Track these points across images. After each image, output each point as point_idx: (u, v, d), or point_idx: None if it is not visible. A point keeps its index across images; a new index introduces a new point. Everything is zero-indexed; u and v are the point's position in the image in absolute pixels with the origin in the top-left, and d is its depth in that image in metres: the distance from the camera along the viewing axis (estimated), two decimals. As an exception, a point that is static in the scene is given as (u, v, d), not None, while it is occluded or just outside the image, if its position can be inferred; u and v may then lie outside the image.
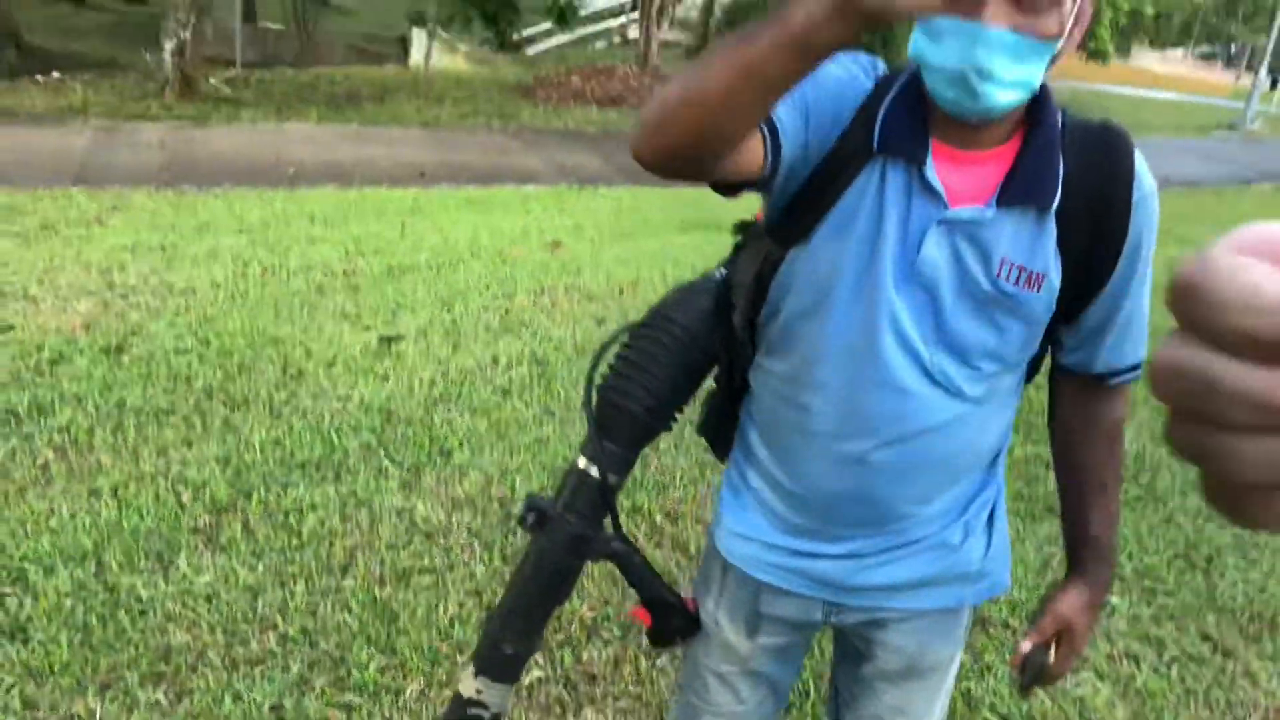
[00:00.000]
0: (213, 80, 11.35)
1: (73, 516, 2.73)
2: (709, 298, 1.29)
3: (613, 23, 23.39)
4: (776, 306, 1.20)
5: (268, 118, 9.91)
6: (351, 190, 7.06)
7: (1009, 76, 1.00)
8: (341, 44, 22.78)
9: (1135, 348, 1.22)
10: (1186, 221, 9.00)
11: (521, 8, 11.05)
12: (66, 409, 3.31)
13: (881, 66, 1.16)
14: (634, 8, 22.98)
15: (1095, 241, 1.12)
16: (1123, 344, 1.21)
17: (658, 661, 2.43)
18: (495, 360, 4.06)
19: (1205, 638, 2.71)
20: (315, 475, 3.07)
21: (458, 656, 2.36)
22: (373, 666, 2.29)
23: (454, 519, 2.92)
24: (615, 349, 1.33)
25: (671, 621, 1.40)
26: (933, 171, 1.09)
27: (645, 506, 3.07)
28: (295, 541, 2.73)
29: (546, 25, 17.37)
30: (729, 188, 1.07)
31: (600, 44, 21.88)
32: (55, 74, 11.84)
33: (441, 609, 2.51)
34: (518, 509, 2.96)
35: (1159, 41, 50.39)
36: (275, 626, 2.40)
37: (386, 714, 2.17)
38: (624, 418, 1.27)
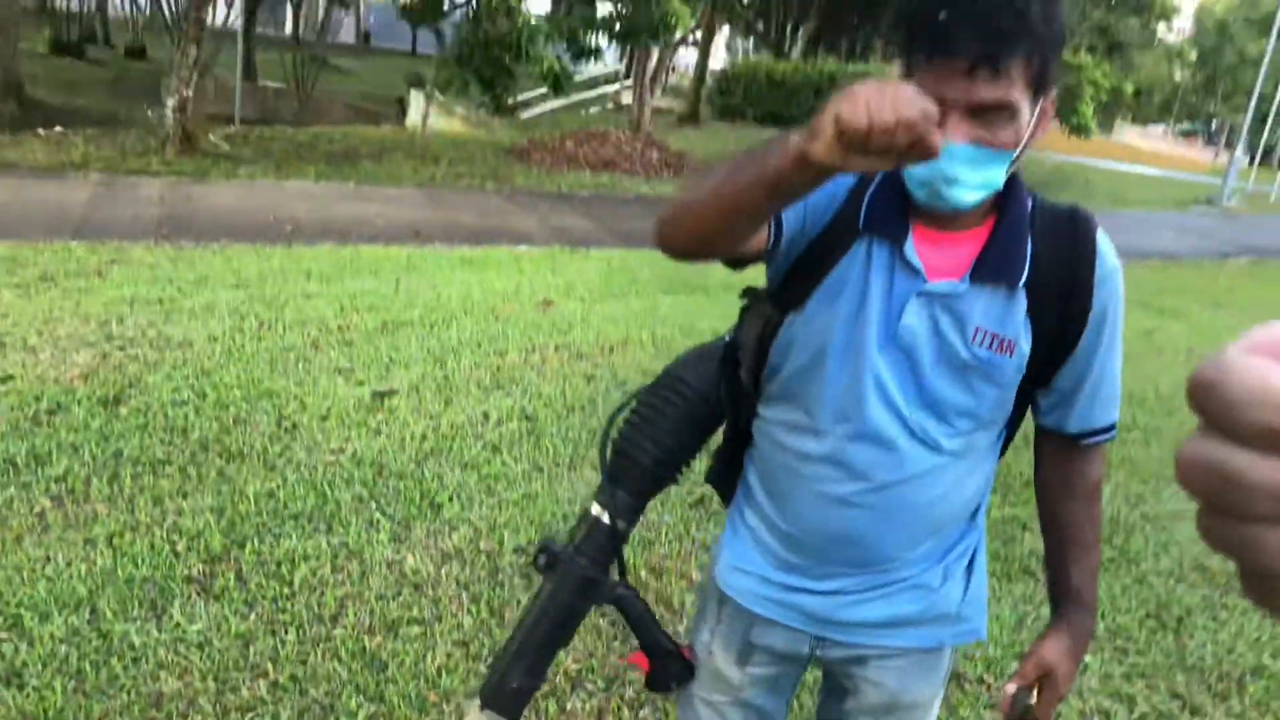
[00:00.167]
0: (212, 137, 11.56)
1: (68, 564, 2.79)
2: (718, 361, 1.42)
3: (607, 89, 23.90)
4: (776, 365, 1.33)
5: (266, 174, 10.08)
6: (348, 247, 7.19)
7: (972, 181, 1.14)
8: (340, 103, 23.18)
9: (1106, 411, 1.33)
10: (1165, 293, 9.22)
11: (517, 73, 11.32)
12: (64, 458, 3.38)
13: None
14: (627, 75, 23.51)
15: (1063, 313, 1.25)
16: (1093, 407, 1.32)
17: (640, 713, 2.48)
18: (486, 416, 4.15)
19: (1175, 695, 2.78)
20: (308, 526, 3.14)
21: (445, 705, 2.41)
22: (362, 714, 2.34)
23: (443, 571, 2.98)
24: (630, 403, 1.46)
25: (669, 668, 1.48)
26: (912, 249, 1.22)
27: (631, 562, 3.13)
28: (287, 591, 2.79)
29: (541, 90, 17.77)
30: (737, 262, 1.25)
31: (594, 109, 22.31)
32: (57, 128, 12.04)
33: (429, 659, 2.57)
34: (505, 562, 3.04)
35: (1141, 118, 51.63)
36: (266, 674, 2.45)
37: (374, 761, 2.22)
38: (635, 469, 1.40)
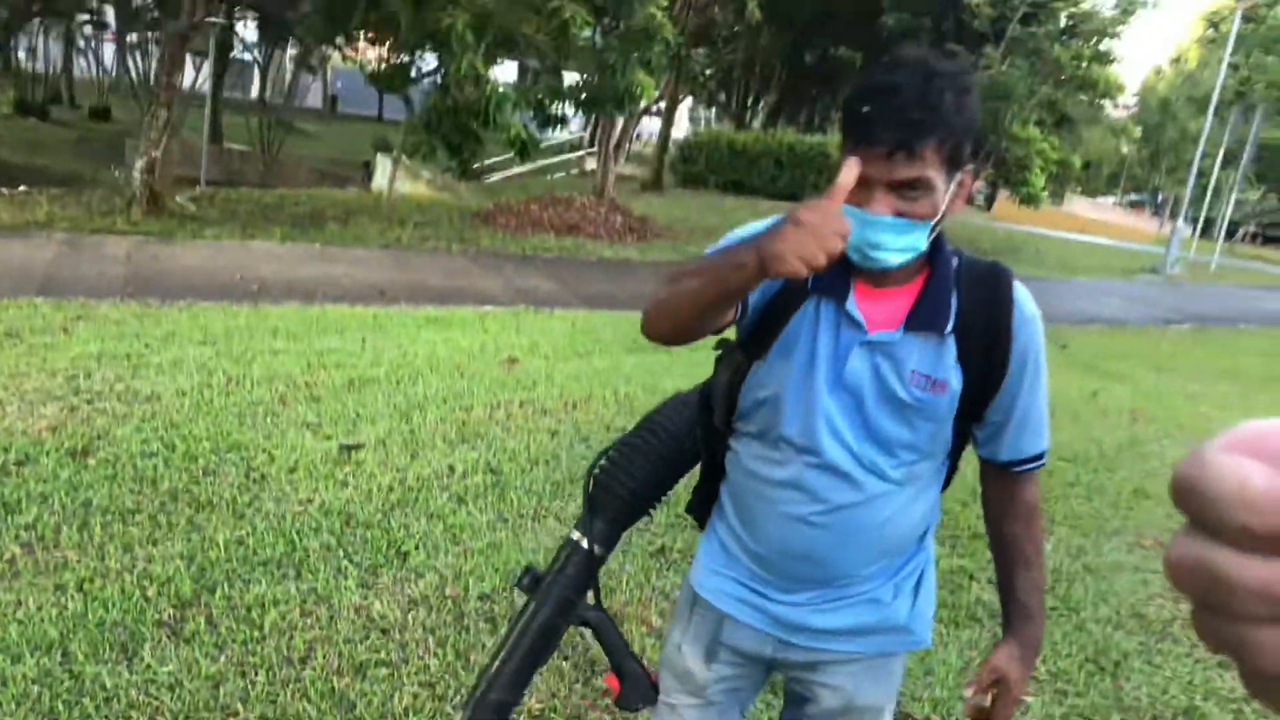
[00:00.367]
0: (179, 198, 11.65)
1: (39, 608, 2.84)
2: (696, 413, 1.65)
3: (571, 155, 24.34)
4: (744, 405, 1.53)
5: (232, 235, 10.18)
6: (314, 307, 7.29)
7: (896, 246, 1.33)
8: (305, 167, 23.41)
9: (1034, 441, 1.52)
10: (1111, 357, 9.55)
11: (484, 139, 11.58)
12: (33, 507, 3.42)
13: None
14: (592, 142, 23.98)
15: (987, 356, 1.44)
16: (1022, 438, 1.51)
17: (601, 751, 2.57)
18: (451, 469, 4.24)
19: (1111, 735, 2.92)
20: (277, 573, 3.20)
21: (411, 744, 2.48)
22: (329, 752, 2.41)
23: (410, 616, 3.06)
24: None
25: (637, 688, 1.62)
26: (854, 305, 1.42)
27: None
28: (257, 634, 2.85)
29: (506, 155, 18.08)
30: (716, 332, 1.47)
31: (558, 175, 22.70)
32: (21, 187, 12.07)
33: (397, 699, 2.64)
34: (471, 608, 3.13)
35: (1090, 190, 53.28)
36: (236, 714, 2.51)
37: (342, 796, 2.28)
38: (613, 500, 1.60)
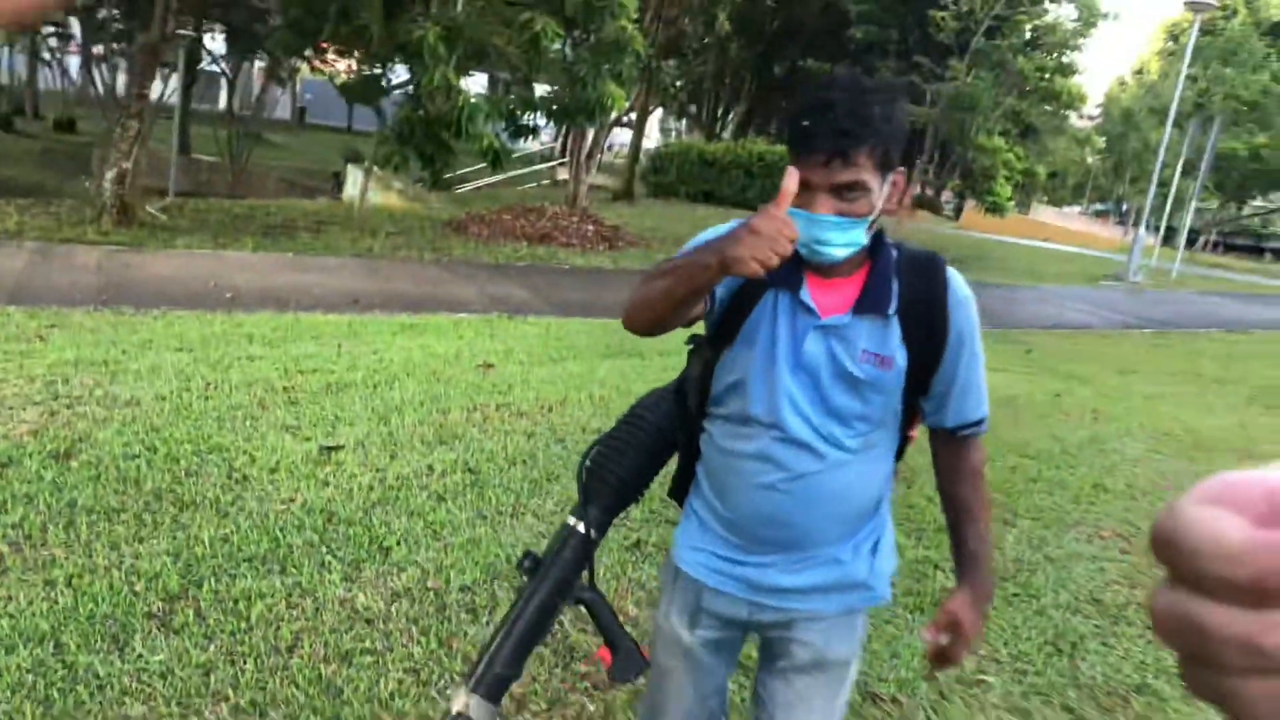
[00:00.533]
0: (149, 208, 11.63)
1: (29, 603, 2.90)
2: (673, 404, 1.82)
3: (542, 166, 24.44)
4: (715, 391, 1.71)
5: (204, 245, 10.20)
6: (288, 314, 7.35)
7: (838, 241, 1.52)
8: (274, 178, 23.35)
9: (975, 408, 1.69)
10: (1074, 361, 9.78)
11: (456, 150, 11.67)
12: (19, 507, 3.48)
13: None
14: (563, 153, 24.11)
15: (928, 334, 1.61)
16: (964, 406, 1.68)
17: (581, 730, 2.66)
18: (430, 469, 4.33)
19: (1067, 710, 3.05)
20: (261, 568, 3.28)
21: (398, 725, 2.57)
22: (319, 734, 2.49)
23: (393, 608, 3.14)
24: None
25: (629, 661, 1.74)
26: (807, 294, 1.60)
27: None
28: (244, 625, 2.93)
29: (477, 166, 18.16)
30: (688, 325, 1.65)
31: (530, 185, 22.79)
32: (-10, 198, 12.00)
33: (383, 684, 2.72)
34: (453, 599, 3.23)
35: (1056, 199, 54.13)
36: (227, 699, 2.59)
37: (332, 774, 2.37)
38: (605, 489, 1.76)
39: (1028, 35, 21.97)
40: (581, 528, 1.74)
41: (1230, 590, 0.28)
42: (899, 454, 1.75)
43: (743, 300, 1.64)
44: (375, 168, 13.75)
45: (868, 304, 1.58)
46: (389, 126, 11.76)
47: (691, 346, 1.80)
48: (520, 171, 22.82)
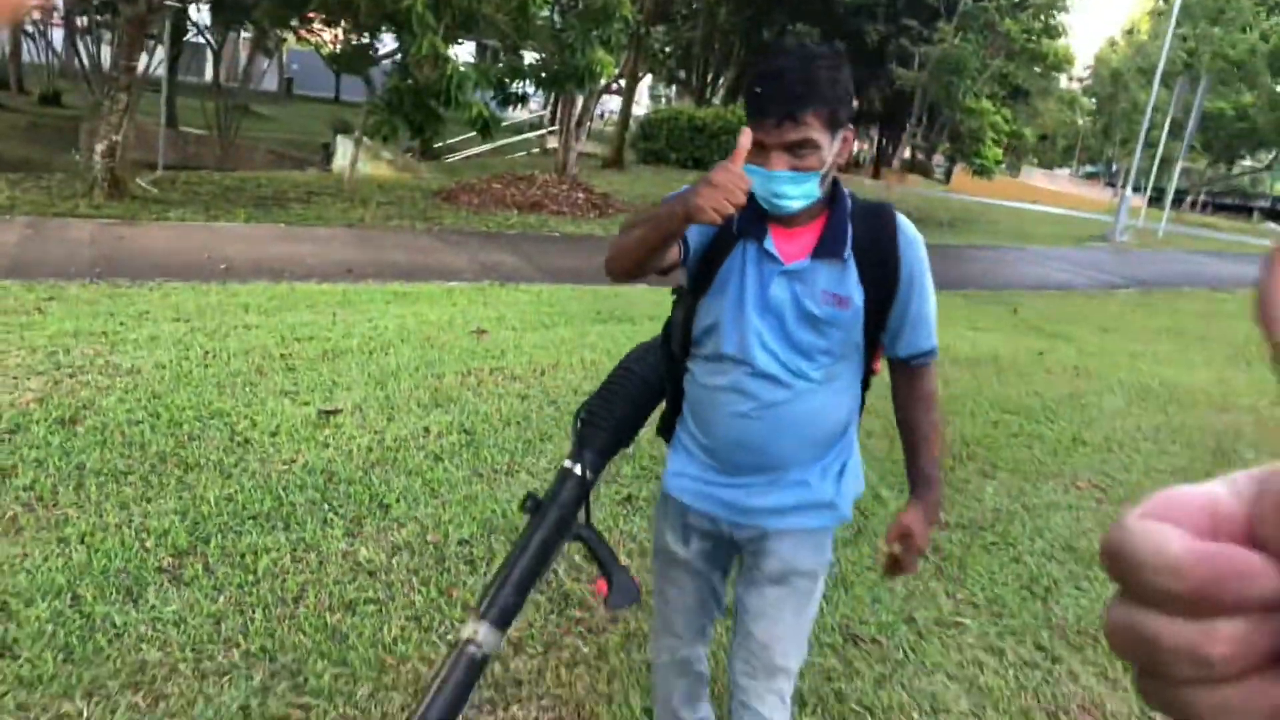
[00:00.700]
0: (140, 181, 11.66)
1: (45, 559, 3.02)
2: (660, 352, 2.01)
3: (532, 135, 24.38)
4: (695, 334, 1.90)
5: (196, 217, 10.25)
6: (283, 284, 7.43)
7: (794, 194, 1.71)
8: (262, 149, 23.27)
9: (926, 339, 1.88)
10: (1059, 320, 9.91)
11: (446, 119, 11.69)
12: (29, 471, 3.59)
13: None
14: (553, 121, 24.05)
15: (881, 274, 1.80)
16: (916, 336, 1.87)
17: (576, 670, 2.81)
18: (427, 430, 4.45)
19: (1039, 648, 3.21)
20: (266, 525, 3.41)
21: (401, 667, 2.71)
22: (327, 675, 2.63)
23: (394, 560, 3.28)
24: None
25: (623, 587, 1.88)
26: (771, 243, 1.80)
27: (568, 550, 3.44)
28: (251, 578, 3.06)
29: (467, 135, 18.15)
30: (664, 272, 1.82)
31: (519, 154, 22.75)
32: (-20, 173, 12.00)
33: (386, 630, 2.86)
34: (451, 551, 3.36)
35: (1047, 162, 54.09)
36: (238, 645, 2.72)
37: (340, 711, 2.51)
38: (599, 434, 1.95)
39: (1015, -3, 21.96)
40: (578, 470, 1.89)
41: (1174, 602, 0.28)
42: (864, 385, 1.94)
43: (716, 252, 1.83)
44: (365, 138, 13.77)
45: (825, 249, 1.77)
46: (378, 96, 11.78)
47: (675, 296, 1.99)
48: (510, 140, 22.77)
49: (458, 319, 6.78)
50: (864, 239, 1.78)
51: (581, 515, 1.92)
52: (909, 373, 1.93)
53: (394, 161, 17.41)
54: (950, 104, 20.11)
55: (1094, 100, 44.53)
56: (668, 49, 28.76)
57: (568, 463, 1.91)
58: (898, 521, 1.92)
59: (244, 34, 27.50)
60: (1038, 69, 23.03)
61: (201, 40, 25.50)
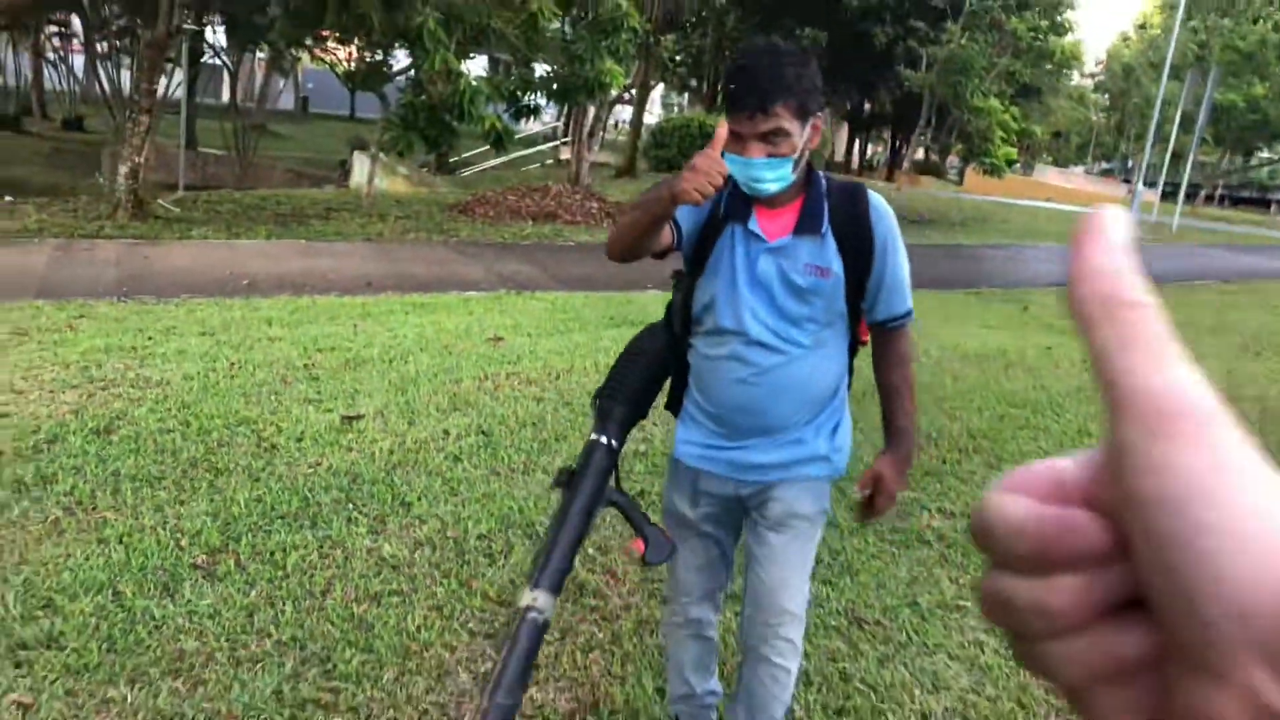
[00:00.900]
0: (162, 201, 11.92)
1: (86, 558, 3.19)
2: (664, 332, 2.16)
3: (545, 146, 24.61)
4: (695, 312, 2.12)
5: (218, 235, 10.48)
6: (304, 298, 7.62)
7: (771, 178, 1.90)
8: (280, 168, 23.62)
9: (900, 304, 2.08)
10: (1068, 316, 9.95)
11: (460, 132, 11.89)
12: (69, 478, 3.77)
13: None
14: (566, 132, 24.27)
15: (857, 246, 2.00)
16: (891, 301, 2.08)
17: (590, 655, 2.94)
18: (446, 433, 4.61)
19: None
20: (294, 524, 3.56)
21: (425, 654, 2.85)
22: (354, 662, 2.78)
23: (416, 555, 3.43)
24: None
25: (659, 544, 2.03)
26: (755, 224, 2.00)
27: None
28: (281, 574, 3.21)
29: (481, 149, 18.37)
30: (658, 255, 2.04)
31: (533, 166, 22.98)
32: (6, 197, 12.32)
33: (410, 620, 3.01)
34: (471, 545, 3.50)
35: (1061, 160, 53.96)
36: (270, 635, 2.87)
37: (368, 695, 2.65)
38: (618, 407, 2.09)
39: (1021, -5, 22.01)
40: (604, 440, 2.04)
41: (1020, 561, 0.30)
42: (853, 352, 2.15)
43: (707, 236, 2.05)
44: (381, 154, 13.99)
45: (805, 226, 1.99)
46: (393, 112, 11.99)
47: (675, 280, 2.18)
48: (524, 152, 23.02)
49: (475, 327, 6.95)
50: (840, 215, 1.99)
51: (612, 482, 2.08)
52: (886, 335, 2.12)
53: (410, 176, 17.66)
54: (958, 104, 20.18)
55: (1106, 96, 44.42)
56: (678, 57, 28.94)
57: (594, 435, 2.06)
58: (872, 469, 2.13)
59: (259, 55, 27.92)
60: (1046, 67, 23.07)
61: (218, 62, 25.88)
